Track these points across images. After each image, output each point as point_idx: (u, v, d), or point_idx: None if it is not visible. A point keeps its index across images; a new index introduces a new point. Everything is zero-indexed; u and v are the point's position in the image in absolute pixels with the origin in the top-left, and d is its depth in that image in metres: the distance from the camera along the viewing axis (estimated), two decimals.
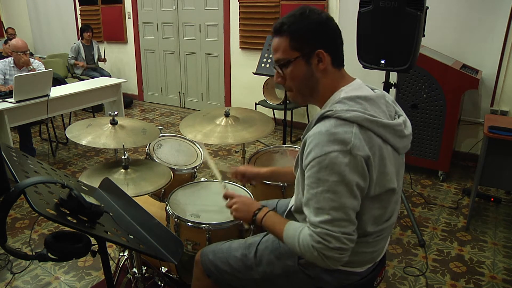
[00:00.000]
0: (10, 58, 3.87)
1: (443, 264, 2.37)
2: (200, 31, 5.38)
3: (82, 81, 4.58)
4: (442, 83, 3.18)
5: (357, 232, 1.13)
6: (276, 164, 2.20)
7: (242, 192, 1.90)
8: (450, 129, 3.26)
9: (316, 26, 1.14)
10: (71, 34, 6.75)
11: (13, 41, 3.82)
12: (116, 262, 2.23)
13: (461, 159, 3.77)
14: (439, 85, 3.19)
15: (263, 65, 3.45)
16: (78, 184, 1.25)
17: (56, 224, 2.76)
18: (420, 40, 2.37)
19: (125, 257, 2.00)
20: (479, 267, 2.34)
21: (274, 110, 4.75)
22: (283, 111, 3.68)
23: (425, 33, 2.40)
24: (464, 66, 3.40)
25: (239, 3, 4.83)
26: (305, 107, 4.66)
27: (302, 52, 1.16)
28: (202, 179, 2.07)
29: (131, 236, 1.08)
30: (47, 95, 3.52)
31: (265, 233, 1.42)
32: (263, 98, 4.55)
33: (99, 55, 5.93)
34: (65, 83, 4.88)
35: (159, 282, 1.98)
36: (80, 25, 6.23)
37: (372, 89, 1.23)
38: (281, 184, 1.98)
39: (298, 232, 1.14)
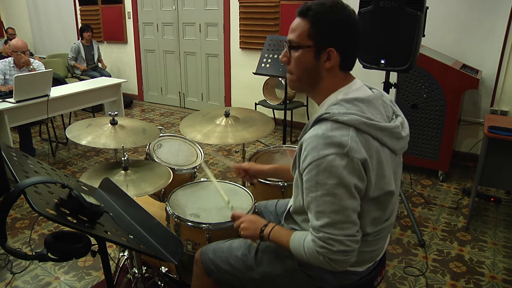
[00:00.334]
0: (10, 58, 3.87)
1: (443, 264, 2.37)
2: (200, 31, 5.38)
3: (82, 81, 4.58)
4: (442, 83, 3.18)
5: (361, 233, 1.13)
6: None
7: (242, 192, 1.91)
8: (450, 129, 3.26)
9: (339, 24, 1.11)
10: (71, 34, 6.75)
11: (13, 41, 3.82)
12: (116, 262, 2.23)
13: (461, 159, 3.77)
14: (439, 85, 3.19)
15: (263, 65, 3.44)
16: (78, 184, 1.25)
17: (56, 224, 2.76)
18: (420, 40, 2.37)
19: (125, 257, 2.00)
20: (479, 267, 2.34)
21: (274, 110, 4.75)
22: (283, 111, 3.68)
23: (425, 33, 2.39)
24: (464, 66, 3.40)
25: (239, 3, 4.83)
26: (305, 107, 4.66)
27: (316, 44, 1.13)
28: (202, 179, 2.07)
29: (131, 236, 1.08)
30: (47, 95, 3.52)
31: None
32: (263, 98, 4.55)
33: (99, 55, 5.93)
34: (65, 83, 4.88)
35: (159, 282, 1.98)
36: (80, 25, 6.23)
37: (370, 89, 1.23)
38: (281, 184, 1.98)
39: (303, 240, 1.14)
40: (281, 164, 1.68)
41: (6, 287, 2.19)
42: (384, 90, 2.63)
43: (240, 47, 5.01)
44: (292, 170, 1.25)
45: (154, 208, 2.13)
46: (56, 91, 3.75)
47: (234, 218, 1.42)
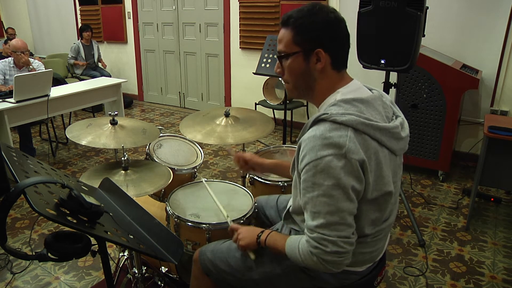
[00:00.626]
0: (10, 58, 3.87)
1: (443, 264, 2.37)
2: (200, 31, 5.38)
3: (82, 81, 4.58)
4: (442, 83, 3.18)
5: (356, 235, 1.13)
6: None
7: (242, 192, 1.90)
8: (450, 129, 3.26)
9: (321, 25, 1.13)
10: (71, 34, 6.75)
11: (13, 41, 3.82)
12: (116, 262, 2.23)
13: (461, 159, 3.77)
14: (439, 85, 3.19)
15: (263, 65, 3.44)
16: (78, 184, 1.25)
17: (56, 224, 2.76)
18: (420, 40, 2.37)
19: (125, 257, 2.00)
20: (479, 267, 2.34)
21: (274, 110, 4.75)
22: (283, 111, 3.68)
23: (425, 33, 2.39)
24: (464, 66, 3.40)
25: (239, 3, 4.82)
26: (305, 107, 4.66)
27: (303, 48, 1.15)
28: (202, 179, 2.07)
29: (131, 236, 1.08)
30: (47, 95, 3.52)
31: None
32: (263, 98, 4.55)
33: (99, 55, 5.93)
34: (65, 83, 4.88)
35: (159, 282, 1.98)
36: (80, 25, 6.23)
37: (370, 89, 1.23)
38: (281, 184, 1.98)
39: (298, 242, 1.15)
40: (282, 160, 1.67)
41: (6, 287, 2.19)
42: (384, 90, 2.63)
43: (240, 47, 5.01)
44: (291, 171, 1.25)
45: (154, 208, 2.13)
46: (56, 91, 3.75)
47: (232, 232, 1.42)
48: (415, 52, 2.35)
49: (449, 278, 2.25)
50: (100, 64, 5.95)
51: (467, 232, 2.69)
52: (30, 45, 7.20)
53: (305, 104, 4.60)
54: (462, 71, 3.16)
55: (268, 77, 4.18)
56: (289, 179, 1.93)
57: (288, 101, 3.82)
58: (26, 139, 3.87)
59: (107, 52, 6.36)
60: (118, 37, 6.19)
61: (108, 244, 1.65)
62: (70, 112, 4.84)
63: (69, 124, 4.01)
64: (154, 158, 2.16)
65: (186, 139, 2.36)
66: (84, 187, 1.26)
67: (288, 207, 1.38)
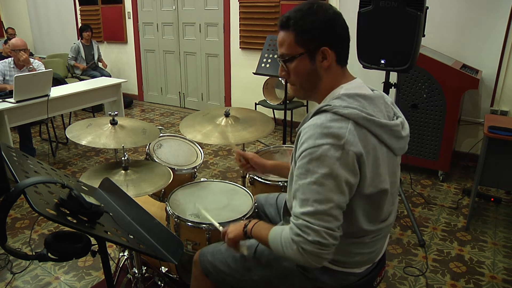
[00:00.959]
0: (10, 58, 3.87)
1: (443, 264, 2.37)
2: (200, 31, 5.38)
3: (82, 81, 4.58)
4: (442, 83, 3.18)
5: (354, 232, 1.13)
6: None
7: (242, 192, 1.90)
8: (450, 129, 3.26)
9: (322, 23, 1.13)
10: (71, 34, 6.75)
11: (12, 40, 3.82)
12: (116, 262, 2.23)
13: (461, 159, 3.77)
14: (439, 85, 3.19)
15: (263, 65, 3.45)
16: (78, 184, 1.25)
17: (56, 224, 2.76)
18: (420, 40, 2.37)
19: (125, 257, 2.00)
20: (479, 267, 2.34)
21: (274, 110, 4.75)
22: (283, 111, 3.68)
23: (425, 33, 2.39)
24: (464, 66, 3.40)
25: (239, 3, 4.82)
26: (305, 107, 4.66)
27: (307, 49, 1.14)
28: (202, 179, 2.07)
29: (131, 236, 1.08)
30: (47, 95, 3.52)
31: None
32: (263, 98, 4.55)
33: (99, 55, 5.93)
34: (65, 83, 4.88)
35: (159, 282, 1.98)
36: (80, 25, 6.23)
37: (372, 90, 1.23)
38: (280, 184, 1.98)
39: (281, 230, 1.12)
40: (282, 161, 1.67)
41: (6, 287, 2.19)
42: (384, 90, 2.63)
43: (240, 47, 5.01)
44: (291, 163, 1.25)
45: (154, 208, 2.13)
46: (56, 91, 3.75)
47: (223, 234, 1.40)
48: (415, 52, 2.35)
49: (449, 278, 2.25)
50: (100, 64, 5.95)
51: (467, 232, 2.69)
52: (30, 45, 7.20)
53: (305, 104, 4.60)
54: (462, 71, 3.15)
55: (268, 77, 4.18)
56: None
57: (288, 101, 3.82)
58: (26, 139, 3.87)
59: (107, 52, 6.36)
60: (118, 37, 6.19)
61: (108, 244, 1.65)
62: (70, 112, 4.84)
63: (69, 124, 4.01)
64: (154, 158, 2.16)
65: (186, 139, 2.36)
66: (84, 187, 1.26)
67: (284, 203, 1.37)
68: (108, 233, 0.98)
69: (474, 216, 2.88)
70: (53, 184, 0.98)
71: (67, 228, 0.91)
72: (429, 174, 3.53)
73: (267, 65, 3.41)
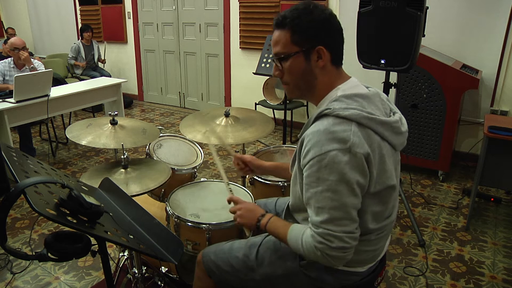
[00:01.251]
0: (9, 58, 3.87)
1: (443, 264, 2.37)
2: (200, 31, 5.38)
3: (82, 81, 4.58)
4: (442, 83, 3.18)
5: (360, 230, 1.13)
6: None
7: (242, 191, 1.90)
8: (450, 129, 3.26)
9: (318, 23, 1.14)
10: (71, 34, 6.75)
11: (11, 39, 3.81)
12: (116, 262, 2.23)
13: (461, 159, 3.77)
14: (439, 85, 3.19)
15: (263, 65, 3.45)
16: (78, 184, 1.25)
17: (56, 224, 2.76)
18: (420, 40, 2.37)
19: (125, 257, 2.00)
20: (479, 267, 2.34)
21: (274, 110, 4.75)
22: (283, 111, 3.68)
23: (425, 33, 2.39)
24: (464, 66, 3.40)
25: (239, 3, 4.82)
26: (305, 107, 4.66)
27: (302, 48, 1.15)
28: (202, 179, 2.07)
29: (131, 236, 1.08)
30: (47, 95, 3.52)
31: (266, 234, 1.42)
32: (263, 98, 4.55)
33: (99, 55, 5.93)
34: (65, 83, 4.88)
35: (159, 282, 1.98)
36: (80, 25, 6.23)
37: (367, 87, 1.23)
38: (280, 184, 1.98)
39: (301, 234, 1.15)
40: (282, 163, 1.67)
41: (6, 287, 2.19)
42: (384, 90, 2.63)
43: (240, 47, 5.01)
44: (291, 167, 1.25)
45: (154, 208, 2.13)
46: (56, 91, 3.75)
47: (231, 201, 1.42)
48: (415, 52, 2.35)
49: (449, 278, 2.25)
50: (100, 64, 5.94)
51: (467, 232, 2.69)
52: (30, 45, 7.20)
53: (305, 104, 4.60)
54: (462, 71, 3.15)
55: (268, 77, 4.18)
56: (288, 180, 1.93)
57: (288, 101, 3.82)
58: (26, 139, 3.87)
59: (107, 52, 6.36)
60: (118, 37, 6.19)
61: (108, 244, 1.65)
62: (70, 112, 4.84)
63: (69, 124, 4.01)
64: (154, 158, 2.16)
65: (186, 139, 2.36)
66: (84, 187, 1.26)
67: (286, 205, 1.38)
68: (108, 233, 0.98)
69: (474, 216, 2.88)
70: (53, 184, 0.98)
71: (67, 228, 0.91)
72: (429, 174, 3.53)
73: (267, 65, 3.41)
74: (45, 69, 3.83)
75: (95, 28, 6.09)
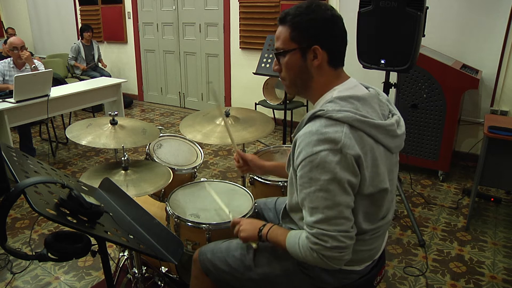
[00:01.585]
0: (9, 58, 3.87)
1: (443, 264, 2.37)
2: (200, 31, 5.38)
3: (82, 81, 4.58)
4: (442, 83, 3.18)
5: (356, 229, 1.13)
6: None
7: (242, 191, 1.90)
8: (450, 129, 3.26)
9: (318, 22, 1.14)
10: (71, 34, 6.75)
11: (10, 39, 3.81)
12: (116, 262, 2.23)
13: (461, 159, 3.77)
14: (439, 85, 3.19)
15: (263, 65, 3.44)
16: (78, 184, 1.25)
17: (56, 224, 2.76)
18: (420, 40, 2.37)
19: (125, 257, 2.00)
20: (479, 267, 2.34)
21: (274, 110, 4.75)
22: (283, 111, 3.68)
23: (425, 33, 2.39)
24: (464, 66, 3.40)
25: (239, 3, 4.82)
26: (305, 107, 4.66)
27: (300, 45, 1.16)
28: (202, 179, 2.07)
29: (131, 236, 1.08)
30: (47, 95, 3.52)
31: None
32: (263, 98, 4.55)
33: (99, 55, 5.93)
34: (65, 83, 4.88)
35: (159, 282, 1.98)
36: (80, 25, 6.23)
37: (367, 88, 1.23)
38: (280, 184, 1.98)
39: (298, 238, 1.15)
40: (282, 162, 1.67)
41: (6, 287, 2.19)
42: (384, 90, 2.63)
43: (240, 47, 5.01)
44: (287, 168, 1.25)
45: (154, 208, 2.13)
46: (56, 91, 3.75)
47: (234, 224, 1.42)
48: (415, 52, 2.35)
49: (449, 278, 2.25)
50: (100, 64, 5.95)
51: (467, 232, 2.69)
52: (30, 45, 7.21)
53: (305, 104, 4.60)
54: (462, 71, 3.16)
55: (268, 77, 4.18)
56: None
57: (288, 101, 3.82)
58: (26, 139, 3.87)
59: (107, 52, 6.36)
60: (118, 37, 6.19)
61: (108, 244, 1.65)
62: (70, 112, 4.84)
63: (69, 124, 4.01)
64: (154, 158, 2.16)
65: (186, 139, 2.36)
66: (84, 187, 1.26)
67: (284, 205, 1.38)
68: (108, 233, 0.98)
69: (474, 216, 2.88)
70: (53, 184, 0.98)
71: (67, 228, 0.91)
72: (429, 174, 3.53)
73: (267, 65, 3.40)
74: (45, 69, 3.83)
75: (95, 28, 6.09)
